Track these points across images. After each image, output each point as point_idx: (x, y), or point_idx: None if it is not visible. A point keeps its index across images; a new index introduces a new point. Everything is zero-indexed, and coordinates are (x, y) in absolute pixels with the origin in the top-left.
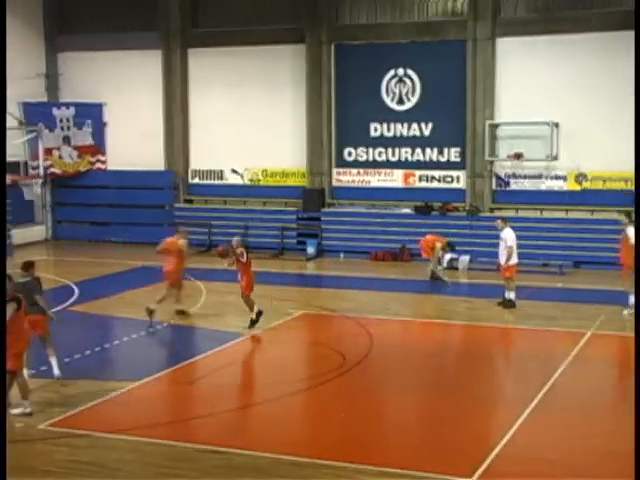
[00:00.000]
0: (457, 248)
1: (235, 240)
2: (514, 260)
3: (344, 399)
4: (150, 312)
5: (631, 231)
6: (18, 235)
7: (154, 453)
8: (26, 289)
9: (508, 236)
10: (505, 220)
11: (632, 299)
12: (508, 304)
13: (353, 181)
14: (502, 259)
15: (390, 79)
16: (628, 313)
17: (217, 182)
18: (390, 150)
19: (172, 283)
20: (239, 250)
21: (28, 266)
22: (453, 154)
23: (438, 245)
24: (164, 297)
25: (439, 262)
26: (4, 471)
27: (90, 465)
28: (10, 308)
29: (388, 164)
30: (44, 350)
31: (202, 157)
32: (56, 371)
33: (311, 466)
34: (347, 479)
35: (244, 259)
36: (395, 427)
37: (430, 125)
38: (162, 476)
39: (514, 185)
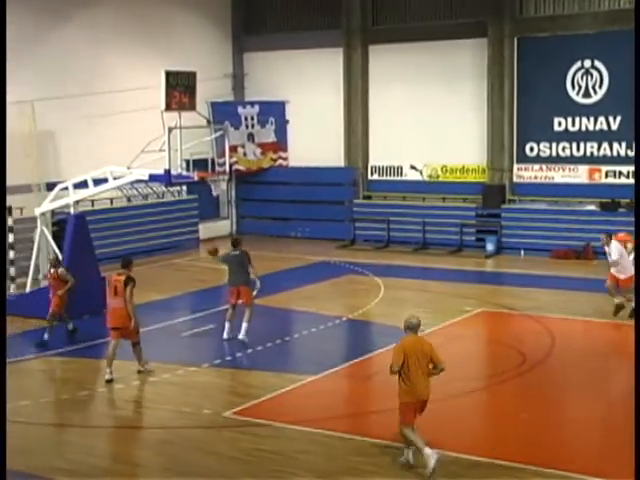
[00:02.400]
0: None
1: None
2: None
3: (524, 399)
4: None
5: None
6: (205, 230)
7: (333, 445)
8: (237, 261)
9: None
10: (610, 234)
11: None
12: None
13: (535, 177)
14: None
15: (576, 71)
16: None
17: (396, 178)
18: (575, 145)
19: None
20: (60, 270)
21: (237, 242)
22: None
23: (630, 245)
24: None
25: None
26: (4, 471)
27: (273, 454)
28: (130, 287)
29: (572, 159)
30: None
31: (381, 153)
32: (241, 336)
33: (489, 466)
34: None
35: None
36: (577, 430)
37: (618, 118)
38: (340, 468)
39: None
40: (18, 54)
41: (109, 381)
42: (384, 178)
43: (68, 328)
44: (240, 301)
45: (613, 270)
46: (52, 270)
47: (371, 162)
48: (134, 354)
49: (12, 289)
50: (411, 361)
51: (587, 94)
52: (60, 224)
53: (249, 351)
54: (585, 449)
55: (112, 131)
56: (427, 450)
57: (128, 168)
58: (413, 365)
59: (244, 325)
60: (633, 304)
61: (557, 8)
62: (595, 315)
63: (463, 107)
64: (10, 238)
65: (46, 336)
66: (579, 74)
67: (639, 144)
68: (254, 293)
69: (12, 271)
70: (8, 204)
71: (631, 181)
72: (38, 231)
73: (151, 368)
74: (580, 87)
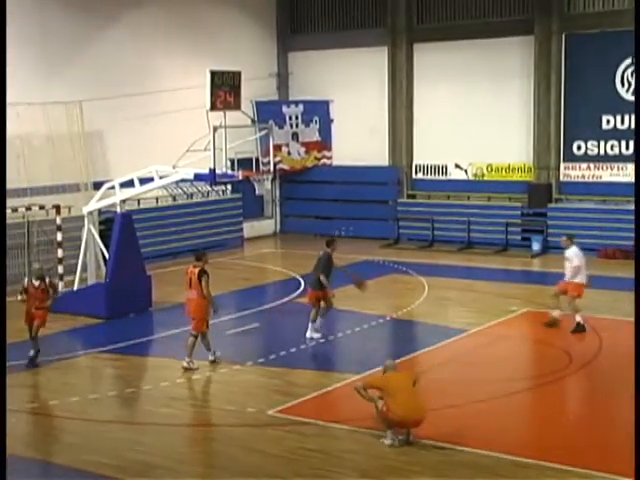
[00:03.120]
0: None
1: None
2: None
3: (571, 400)
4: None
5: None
6: (249, 229)
7: (377, 445)
8: (318, 262)
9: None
10: (571, 237)
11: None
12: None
13: (582, 176)
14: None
15: (626, 68)
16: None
17: (440, 177)
18: (624, 143)
19: None
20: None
21: (330, 242)
22: None
23: None
24: None
25: None
26: (4, 471)
27: (317, 453)
28: (205, 279)
29: (621, 158)
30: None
31: (426, 152)
32: (309, 334)
33: (534, 467)
34: None
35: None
36: (623, 433)
37: None
38: (385, 468)
39: None
40: (66, 55)
41: (213, 361)
42: (429, 177)
43: (30, 353)
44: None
45: (578, 279)
46: (37, 282)
47: (415, 161)
48: (202, 344)
49: (60, 287)
50: (399, 394)
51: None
52: (107, 223)
53: (293, 350)
54: (631, 451)
55: (158, 131)
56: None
57: (173, 167)
58: (401, 398)
59: (318, 322)
60: (579, 318)
61: (606, 4)
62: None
63: (509, 105)
64: (59, 237)
65: (32, 352)
66: (629, 71)
67: (638, 145)
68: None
69: (60, 269)
70: (57, 203)
71: None
72: (85, 230)
73: (220, 357)
74: (630, 84)
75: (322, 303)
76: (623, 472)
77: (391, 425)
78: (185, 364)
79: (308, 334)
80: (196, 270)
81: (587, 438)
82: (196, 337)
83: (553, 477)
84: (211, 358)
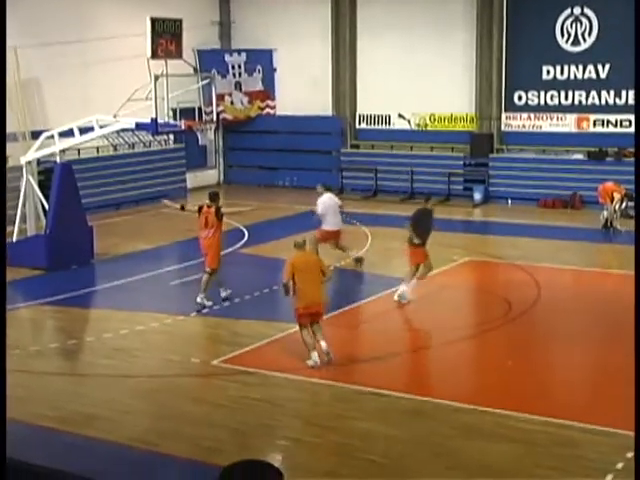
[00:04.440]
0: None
1: None
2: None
3: (509, 347)
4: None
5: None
6: (192, 179)
7: (319, 393)
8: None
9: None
10: (326, 187)
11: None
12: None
13: (523, 126)
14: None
15: (565, 19)
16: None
17: (384, 127)
18: (563, 93)
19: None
20: None
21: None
22: (632, 97)
23: (617, 196)
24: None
25: (614, 210)
26: (4, 469)
27: (261, 401)
28: (221, 217)
29: (560, 108)
30: None
31: (369, 102)
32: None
33: (474, 413)
34: (510, 428)
35: None
36: (560, 378)
37: (607, 66)
38: (326, 415)
39: None
40: None
41: (226, 299)
42: (372, 127)
43: None
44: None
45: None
46: None
47: (359, 111)
48: (210, 282)
49: None
50: (300, 274)
51: (576, 42)
52: (46, 173)
53: (237, 300)
54: (568, 396)
55: (98, 79)
56: (314, 354)
57: (114, 117)
58: (302, 277)
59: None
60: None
61: None
62: (581, 264)
63: (452, 56)
64: None
65: None
66: (568, 21)
67: (639, 135)
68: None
69: None
70: None
71: (619, 130)
72: (24, 180)
73: (231, 294)
74: (569, 35)
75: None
76: (554, 414)
77: (311, 346)
78: (199, 300)
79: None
80: (212, 210)
81: (525, 384)
82: (210, 274)
83: (492, 423)
84: (223, 294)
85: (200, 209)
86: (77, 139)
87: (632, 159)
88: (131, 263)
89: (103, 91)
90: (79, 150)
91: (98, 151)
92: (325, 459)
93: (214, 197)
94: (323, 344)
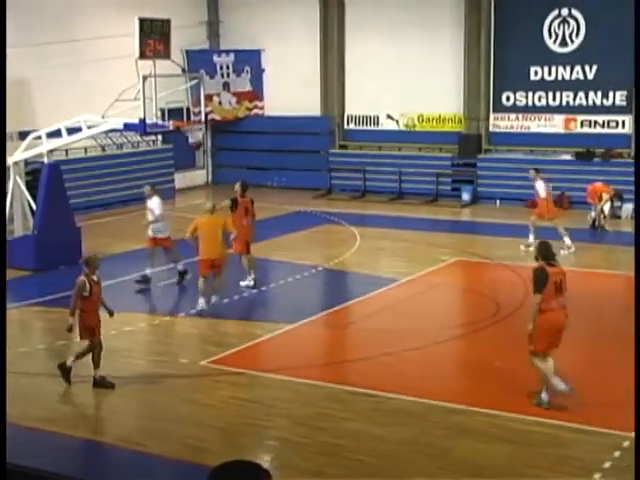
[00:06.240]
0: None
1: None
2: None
3: (498, 347)
4: None
5: (539, 185)
6: (181, 179)
7: (308, 393)
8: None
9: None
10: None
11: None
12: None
13: (511, 126)
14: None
15: (553, 20)
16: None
17: (372, 128)
18: (551, 94)
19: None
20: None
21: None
22: (619, 98)
23: (605, 196)
24: None
25: (602, 211)
26: (4, 467)
27: (249, 402)
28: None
29: (548, 109)
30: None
31: (358, 103)
32: None
33: (464, 413)
34: (500, 428)
35: None
36: None
37: (595, 67)
38: (315, 415)
39: None
40: None
41: (251, 287)
42: (360, 127)
43: None
44: None
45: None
46: None
47: (347, 111)
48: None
49: None
50: (202, 230)
51: (564, 43)
52: (34, 173)
53: (225, 301)
54: (557, 395)
55: (86, 79)
56: (201, 300)
57: (102, 117)
58: (204, 234)
59: None
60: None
61: None
62: (568, 264)
63: (440, 56)
64: None
65: None
66: (556, 22)
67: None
68: None
69: None
70: None
71: (606, 130)
72: (11, 181)
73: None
74: (557, 36)
75: None
76: (545, 414)
77: (201, 293)
78: (246, 282)
79: None
80: (248, 199)
81: (514, 384)
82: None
83: (483, 423)
84: (249, 282)
85: (234, 201)
86: (65, 139)
87: (619, 160)
88: (119, 264)
89: (91, 91)
90: (67, 150)
91: (86, 152)
92: (314, 459)
93: (246, 188)
94: (213, 298)
